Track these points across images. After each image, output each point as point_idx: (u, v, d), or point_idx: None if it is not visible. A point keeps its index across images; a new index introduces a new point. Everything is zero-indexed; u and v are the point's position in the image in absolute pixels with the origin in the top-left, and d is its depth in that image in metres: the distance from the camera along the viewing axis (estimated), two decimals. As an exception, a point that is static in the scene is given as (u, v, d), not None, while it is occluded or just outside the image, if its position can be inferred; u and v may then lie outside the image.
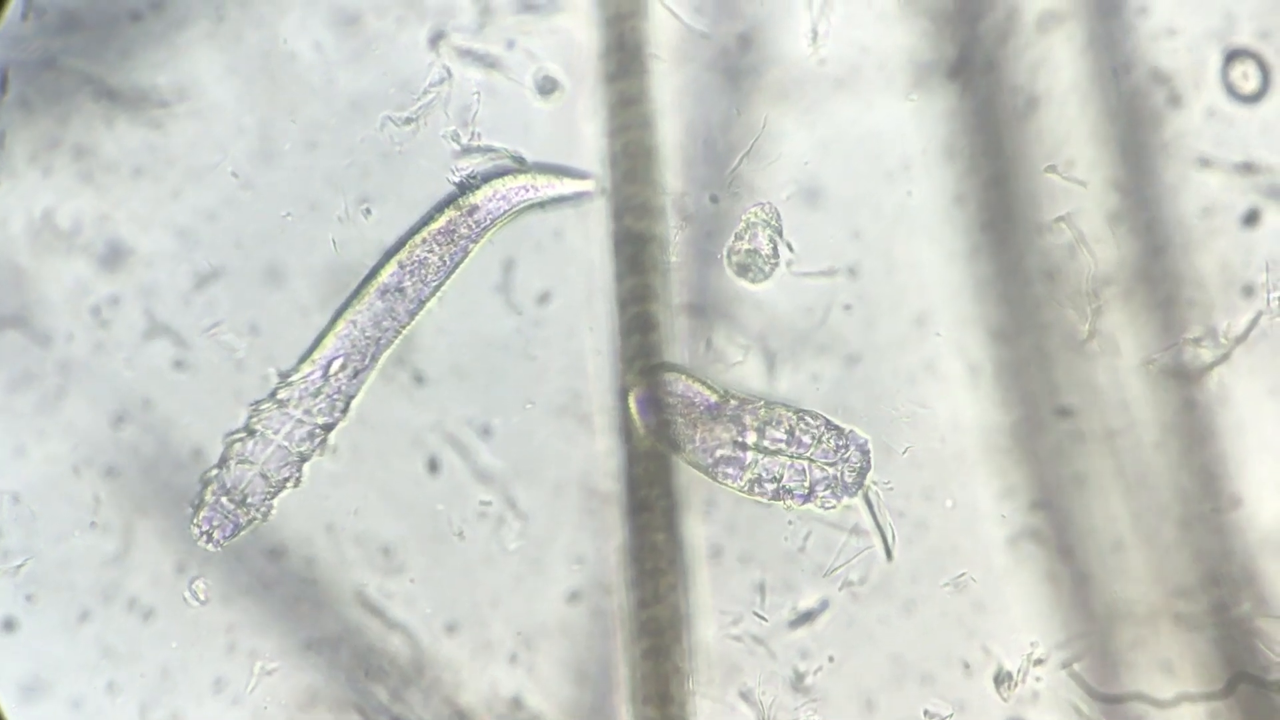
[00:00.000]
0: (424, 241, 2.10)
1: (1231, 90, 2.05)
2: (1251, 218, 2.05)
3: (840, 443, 2.07)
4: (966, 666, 2.07)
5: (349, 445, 2.10)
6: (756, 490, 2.08)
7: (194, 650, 2.08)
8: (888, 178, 2.10)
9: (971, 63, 2.07)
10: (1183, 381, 2.04)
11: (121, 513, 2.07)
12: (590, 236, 2.10)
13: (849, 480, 2.07)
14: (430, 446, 2.10)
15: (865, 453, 2.06)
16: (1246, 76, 2.04)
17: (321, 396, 2.08)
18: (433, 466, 2.10)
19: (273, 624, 2.07)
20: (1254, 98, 2.05)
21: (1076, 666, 2.00)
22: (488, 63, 2.10)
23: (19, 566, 2.07)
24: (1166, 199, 2.05)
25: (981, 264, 2.07)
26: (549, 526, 2.10)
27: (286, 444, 2.07)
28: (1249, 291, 2.05)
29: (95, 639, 2.07)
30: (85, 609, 2.06)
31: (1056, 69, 2.05)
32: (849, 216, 2.10)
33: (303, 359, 2.10)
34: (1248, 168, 2.05)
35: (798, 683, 2.08)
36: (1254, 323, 2.04)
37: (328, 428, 2.09)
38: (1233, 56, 2.05)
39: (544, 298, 2.11)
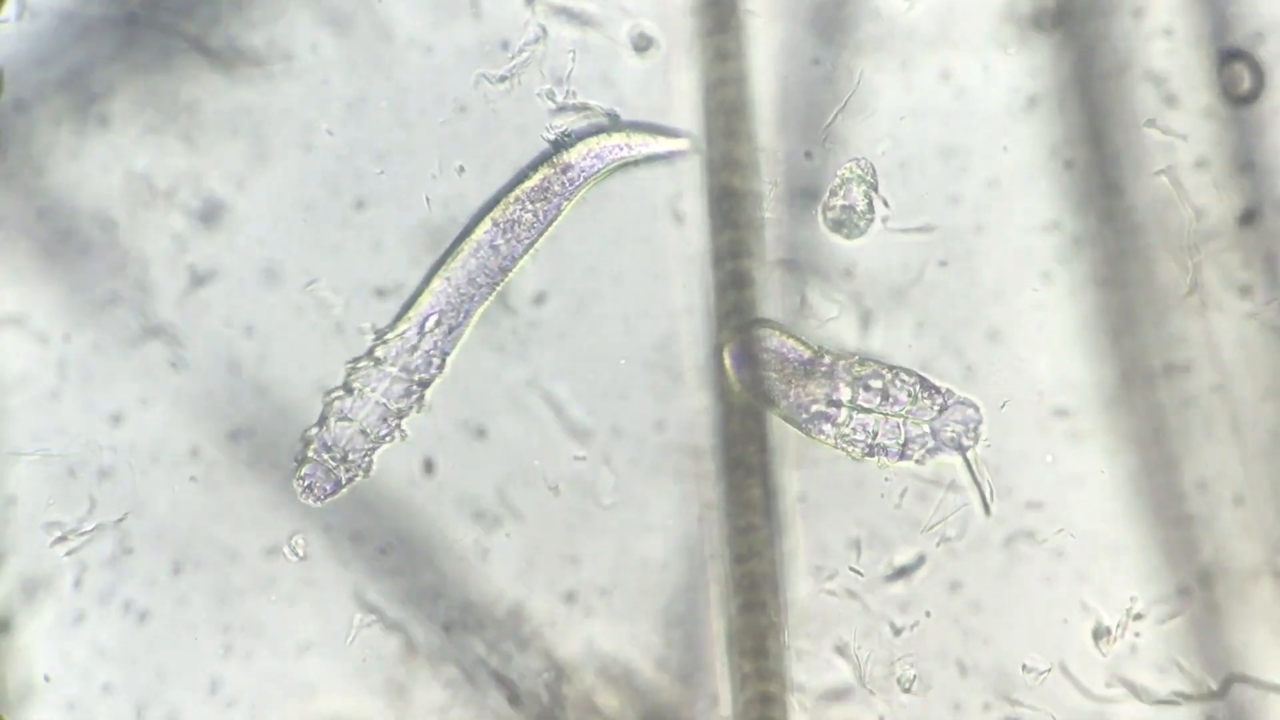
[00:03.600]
0: (518, 199, 2.11)
1: None
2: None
3: (936, 400, 2.07)
4: (1065, 621, 2.06)
5: (444, 401, 2.11)
6: (850, 446, 2.07)
7: (292, 605, 2.10)
8: (984, 132, 2.09)
9: (1071, 14, 2.05)
10: (1286, 335, 2.03)
11: (222, 471, 2.09)
12: (684, 193, 2.10)
13: (947, 438, 2.06)
14: (525, 402, 2.11)
15: (975, 424, 2.05)
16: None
17: (418, 353, 2.10)
18: (527, 422, 2.11)
19: (370, 578, 2.09)
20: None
21: None
22: (583, 20, 2.10)
23: (119, 521, 2.09)
24: (1264, 154, 2.04)
25: (1080, 218, 2.06)
26: (644, 482, 2.10)
27: (385, 401, 2.09)
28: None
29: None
30: (178, 561, 2.09)
31: (1157, 15, 2.04)
32: (945, 171, 2.10)
33: (399, 316, 2.11)
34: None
35: (894, 637, 2.08)
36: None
37: (425, 384, 2.10)
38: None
39: (637, 253, 2.11)
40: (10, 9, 2.04)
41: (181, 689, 2.08)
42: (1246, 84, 2.01)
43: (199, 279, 2.09)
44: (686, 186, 2.10)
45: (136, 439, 2.09)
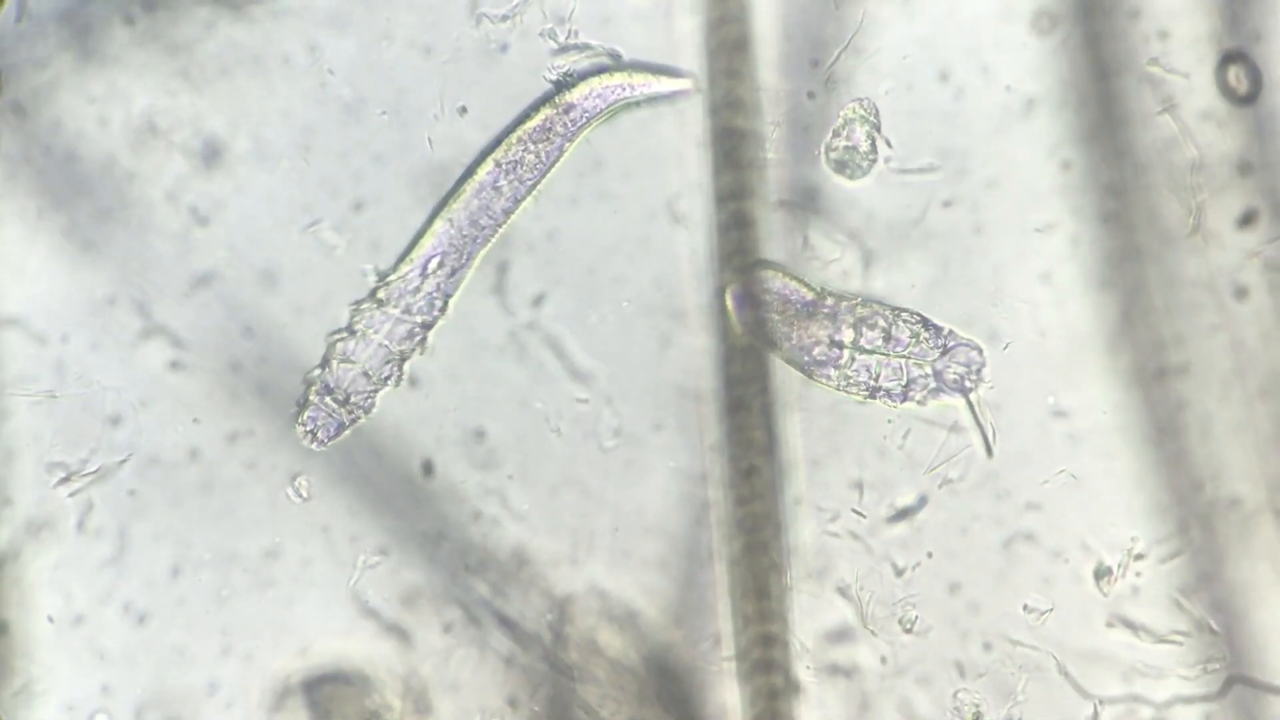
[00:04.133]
0: (520, 140, 2.10)
1: None
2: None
3: (939, 341, 2.07)
4: (1066, 561, 2.07)
5: (446, 344, 2.11)
6: (852, 388, 2.07)
7: (296, 546, 2.10)
8: (988, 71, 2.08)
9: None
10: (1289, 274, 2.03)
11: (226, 413, 2.09)
12: (687, 132, 2.09)
13: (950, 379, 2.06)
14: (526, 344, 2.11)
15: (978, 366, 2.05)
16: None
17: (420, 295, 2.09)
18: (530, 364, 2.11)
19: (375, 520, 2.09)
20: None
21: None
22: (585, -43, 2.09)
23: (121, 462, 2.09)
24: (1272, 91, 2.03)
25: (1084, 156, 2.05)
26: (645, 424, 2.10)
27: (387, 343, 2.08)
28: (1353, 187, 2.03)
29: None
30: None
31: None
32: (949, 111, 2.09)
33: (401, 258, 2.10)
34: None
35: (896, 578, 2.08)
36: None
37: (427, 326, 2.10)
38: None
39: (641, 195, 2.10)
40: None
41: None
42: (1245, 85, 2.01)
43: (200, 220, 2.09)
44: (690, 126, 2.09)
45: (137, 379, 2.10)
